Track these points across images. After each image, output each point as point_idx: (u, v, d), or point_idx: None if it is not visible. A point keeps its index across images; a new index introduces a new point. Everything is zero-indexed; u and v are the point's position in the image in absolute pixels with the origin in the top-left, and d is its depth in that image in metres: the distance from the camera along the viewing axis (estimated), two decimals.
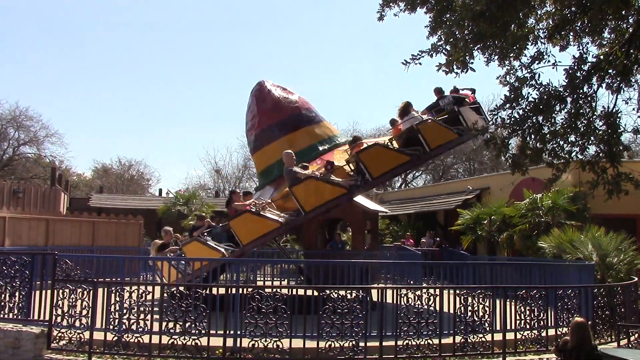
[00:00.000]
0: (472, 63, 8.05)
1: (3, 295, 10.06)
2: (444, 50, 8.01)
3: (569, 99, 8.27)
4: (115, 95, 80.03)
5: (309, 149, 15.48)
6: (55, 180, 28.71)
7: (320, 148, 15.50)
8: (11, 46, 72.99)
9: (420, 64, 7.97)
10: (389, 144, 13.31)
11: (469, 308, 9.56)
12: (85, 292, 9.46)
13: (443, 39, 8.14)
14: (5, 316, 9.98)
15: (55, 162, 42.95)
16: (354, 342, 9.02)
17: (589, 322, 9.97)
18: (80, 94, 78.46)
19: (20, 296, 10.07)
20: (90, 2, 77.14)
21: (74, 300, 9.50)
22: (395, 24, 67.47)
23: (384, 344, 9.06)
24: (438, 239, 24.92)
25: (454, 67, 8.03)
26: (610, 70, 8.64)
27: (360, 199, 16.91)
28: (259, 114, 15.64)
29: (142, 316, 9.16)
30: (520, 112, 8.27)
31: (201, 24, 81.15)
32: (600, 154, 8.67)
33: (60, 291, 9.57)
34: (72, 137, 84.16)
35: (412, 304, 9.39)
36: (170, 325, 9.06)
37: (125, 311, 9.22)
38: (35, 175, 43.33)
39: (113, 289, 9.41)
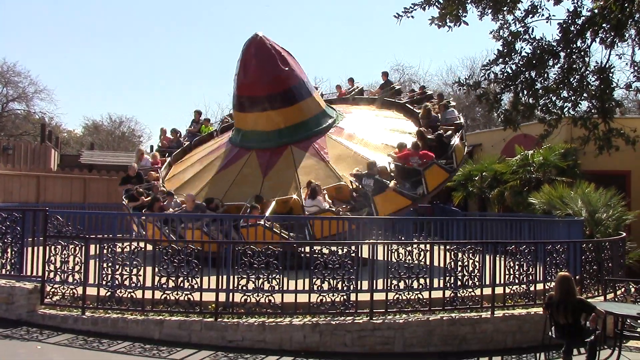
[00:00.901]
0: (465, 17, 7.93)
1: None
2: (436, 3, 7.87)
3: (562, 54, 8.20)
4: (105, 50, 78.86)
5: (300, 126, 15.68)
6: (45, 137, 28.48)
7: (314, 128, 15.81)
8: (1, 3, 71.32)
9: (412, 17, 7.83)
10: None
11: (459, 263, 9.65)
12: (77, 248, 9.49)
13: None
14: None
15: (45, 119, 42.59)
16: (345, 297, 9.13)
17: (577, 277, 10.14)
18: (69, 49, 77.28)
19: (13, 252, 10.09)
20: None
21: (66, 256, 9.53)
22: None
23: (375, 298, 9.16)
24: None
25: (447, 20, 7.91)
26: (604, 25, 8.54)
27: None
28: (251, 77, 15.15)
29: (134, 271, 9.19)
30: (513, 67, 8.19)
31: None
32: (592, 110, 8.64)
33: (52, 247, 9.60)
34: (62, 93, 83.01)
35: (403, 259, 9.45)
36: (163, 280, 9.11)
37: (117, 267, 9.26)
38: (25, 132, 42.93)
39: (105, 244, 9.43)
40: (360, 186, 13.51)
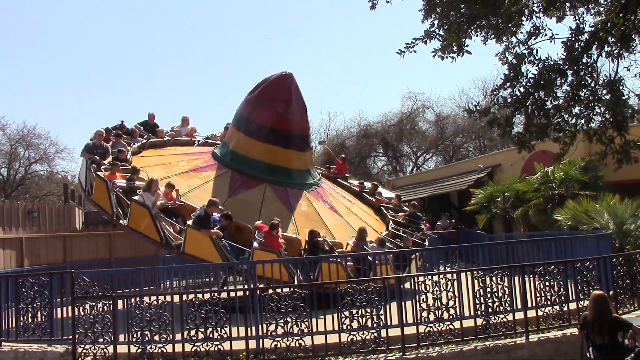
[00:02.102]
0: (467, 46, 7.98)
1: (25, 317, 10.13)
2: (437, 36, 7.94)
3: (569, 72, 8.19)
4: (118, 104, 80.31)
5: (307, 173, 16.41)
6: (68, 196, 28.86)
7: (310, 181, 16.42)
8: (13, 67, 73.36)
9: (415, 51, 7.90)
10: None
11: (488, 289, 9.51)
12: (105, 307, 9.53)
13: (436, 22, 8.07)
14: (29, 337, 10.06)
15: (68, 178, 43.24)
16: (375, 334, 9.02)
17: (611, 293, 9.91)
18: (85, 107, 78.84)
19: (42, 316, 10.15)
20: (89, 15, 77.39)
21: (95, 315, 9.57)
22: (394, 9, 67.08)
23: (406, 332, 9.05)
24: (453, 220, 24.84)
25: (451, 50, 7.96)
26: (609, 38, 8.53)
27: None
28: (270, 109, 15.56)
29: (163, 326, 9.20)
30: (522, 89, 8.19)
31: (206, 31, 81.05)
32: (606, 124, 8.57)
33: (81, 308, 9.65)
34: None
35: (430, 290, 9.35)
36: (192, 332, 9.09)
37: (146, 322, 9.27)
38: (49, 192, 43.61)
39: (132, 301, 9.46)
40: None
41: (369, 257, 12.49)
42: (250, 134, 15.96)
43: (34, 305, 10.18)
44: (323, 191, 16.30)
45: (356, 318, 9.00)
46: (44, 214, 24.07)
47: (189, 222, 12.97)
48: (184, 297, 9.93)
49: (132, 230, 13.61)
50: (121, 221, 13.84)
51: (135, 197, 13.50)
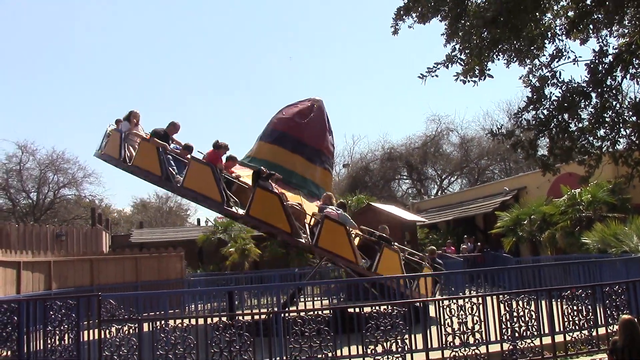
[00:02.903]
0: (489, 70, 7.99)
1: (52, 340, 10.25)
2: (459, 60, 7.97)
3: (593, 94, 8.13)
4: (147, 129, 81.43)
5: (302, 178, 16.22)
6: (95, 220, 29.27)
7: (311, 188, 16.32)
8: (45, 94, 75.05)
9: (436, 76, 7.94)
10: None
11: (514, 313, 9.39)
12: (130, 330, 9.61)
13: (458, 47, 8.10)
14: None
15: (95, 202, 43.88)
16: (400, 358, 8.94)
17: None
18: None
19: (69, 339, 10.26)
20: (123, 45, 79.00)
21: (121, 338, 9.66)
22: (417, 33, 67.27)
23: (431, 357, 8.95)
24: (479, 243, 24.60)
25: (473, 74, 7.98)
26: (633, 60, 8.47)
27: (396, 209, 16.95)
28: (288, 118, 16.03)
29: (188, 349, 9.23)
30: (545, 112, 8.16)
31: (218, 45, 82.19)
32: (632, 146, 8.49)
33: (107, 331, 9.75)
34: (109, 175, 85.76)
35: (456, 314, 9.26)
36: (217, 357, 9.10)
37: (171, 345, 9.32)
38: (77, 216, 44.24)
39: (157, 324, 9.53)
40: None
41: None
42: (262, 138, 16.52)
43: (62, 328, 10.30)
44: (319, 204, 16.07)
45: (380, 342, 8.94)
46: (71, 238, 24.43)
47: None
48: (209, 320, 9.97)
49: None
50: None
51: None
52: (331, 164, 17.38)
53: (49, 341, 10.21)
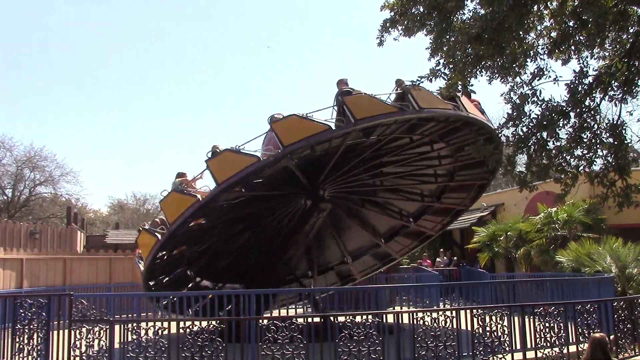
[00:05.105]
0: (472, 85, 8.08)
1: (21, 338, 10.08)
2: (442, 75, 8.05)
3: (572, 114, 8.26)
4: (128, 130, 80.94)
5: None
6: (71, 219, 28.93)
7: None
8: (22, 89, 74.26)
9: (420, 89, 8.01)
10: None
11: (487, 328, 9.45)
12: (102, 331, 9.50)
13: (442, 62, 8.18)
14: (24, 359, 10.02)
15: (72, 201, 43.28)
16: None
17: (611, 337, 9.84)
18: (92, 131, 79.47)
19: (39, 338, 10.11)
20: (103, 42, 78.51)
21: (91, 339, 9.53)
22: (403, 45, 67.85)
23: None
24: (455, 258, 24.76)
25: (455, 89, 8.06)
26: (613, 83, 8.62)
27: None
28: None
29: (159, 353, 9.14)
30: (524, 129, 8.26)
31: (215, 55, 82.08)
32: (608, 167, 8.62)
33: (77, 331, 9.62)
34: (87, 174, 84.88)
35: (430, 326, 9.30)
36: None
37: (142, 348, 9.22)
38: (52, 214, 43.64)
39: (129, 326, 9.43)
40: None
41: None
42: None
43: (31, 326, 10.14)
44: None
45: (353, 352, 8.93)
46: (45, 236, 24.10)
47: None
48: (181, 324, 9.89)
49: None
50: None
51: None
52: None
53: (17, 339, 10.06)
